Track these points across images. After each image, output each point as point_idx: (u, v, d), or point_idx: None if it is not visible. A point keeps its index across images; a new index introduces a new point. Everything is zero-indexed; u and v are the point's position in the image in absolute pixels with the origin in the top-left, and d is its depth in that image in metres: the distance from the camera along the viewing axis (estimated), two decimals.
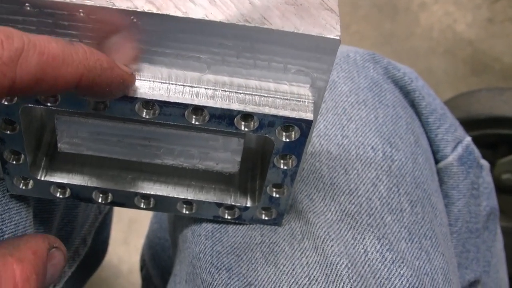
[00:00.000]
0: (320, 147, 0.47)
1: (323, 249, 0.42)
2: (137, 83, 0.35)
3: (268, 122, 0.35)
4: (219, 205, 0.44)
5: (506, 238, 1.18)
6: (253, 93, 0.35)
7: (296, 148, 0.37)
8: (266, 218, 0.44)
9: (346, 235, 0.43)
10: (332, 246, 0.42)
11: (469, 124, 1.09)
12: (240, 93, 0.35)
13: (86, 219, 0.58)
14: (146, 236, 0.67)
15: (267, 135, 0.36)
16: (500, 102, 1.06)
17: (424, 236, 0.45)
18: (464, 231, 0.56)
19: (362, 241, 0.43)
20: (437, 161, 0.54)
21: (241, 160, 0.42)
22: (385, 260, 0.42)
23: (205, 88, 0.35)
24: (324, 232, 0.43)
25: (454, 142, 0.54)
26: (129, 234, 1.24)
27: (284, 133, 0.36)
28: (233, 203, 0.44)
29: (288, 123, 0.36)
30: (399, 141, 0.49)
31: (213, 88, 0.35)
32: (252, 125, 0.36)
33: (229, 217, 0.45)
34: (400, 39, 1.42)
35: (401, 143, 0.48)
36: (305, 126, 0.36)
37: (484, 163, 0.59)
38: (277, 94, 0.35)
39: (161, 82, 0.35)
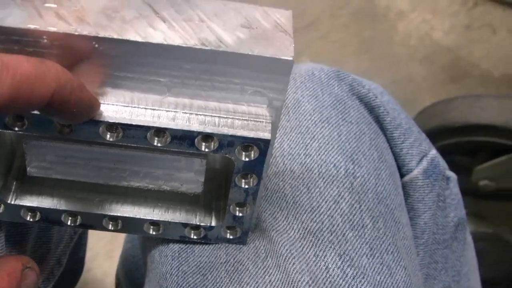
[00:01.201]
0: (283, 166, 0.48)
1: (285, 267, 0.43)
2: (102, 106, 0.35)
3: (228, 142, 0.36)
4: (185, 225, 0.45)
5: (486, 243, 1.19)
6: (213, 115, 0.36)
7: (256, 167, 0.38)
8: (231, 237, 0.45)
9: (308, 253, 0.44)
10: (294, 263, 0.43)
11: (447, 131, 1.10)
12: (200, 114, 0.36)
13: (60, 240, 0.59)
14: (120, 255, 0.68)
15: (227, 155, 0.37)
16: (477, 109, 1.07)
17: (386, 251, 0.46)
18: (432, 243, 0.56)
19: (324, 258, 0.44)
20: (402, 175, 0.55)
21: (206, 180, 0.43)
22: (346, 276, 0.43)
23: (166, 111, 0.36)
24: (287, 250, 0.44)
25: (419, 156, 0.55)
26: (113, 248, 1.25)
27: (243, 153, 0.37)
28: (198, 223, 0.45)
29: (247, 143, 0.37)
30: (362, 157, 0.49)
31: (174, 110, 0.36)
32: (212, 146, 0.37)
33: (195, 237, 0.45)
34: (379, 47, 1.44)
35: (364, 160, 0.49)
36: (263, 146, 0.37)
37: (451, 174, 0.59)
38: (235, 114, 0.37)
39: (124, 106, 0.36)
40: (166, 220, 0.44)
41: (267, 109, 0.37)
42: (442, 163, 0.58)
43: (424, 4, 1.48)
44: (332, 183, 0.47)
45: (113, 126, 0.36)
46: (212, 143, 0.37)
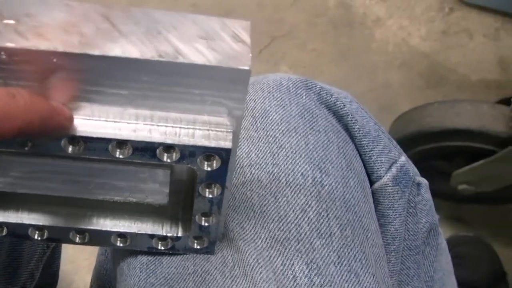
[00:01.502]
0: (251, 176, 0.48)
1: (252, 276, 0.44)
2: None
3: (189, 152, 0.37)
4: (152, 236, 0.45)
5: (467, 247, 1.20)
6: (174, 125, 0.37)
7: (219, 177, 0.39)
8: (199, 247, 0.45)
9: (275, 262, 0.44)
10: (261, 273, 0.44)
11: (424, 137, 1.11)
12: (161, 125, 0.37)
13: (33, 254, 0.59)
14: (94, 267, 0.67)
15: (189, 165, 0.38)
16: (452, 114, 1.08)
17: (354, 258, 0.46)
18: (403, 249, 0.57)
19: (291, 266, 0.44)
20: (372, 183, 0.55)
21: (172, 191, 0.43)
22: (313, 284, 0.44)
23: (127, 123, 0.36)
24: (254, 259, 0.44)
25: (388, 163, 0.56)
26: (93, 262, 1.24)
27: (206, 163, 0.38)
28: (165, 234, 0.45)
29: (208, 153, 0.37)
30: (330, 166, 0.50)
31: (135, 122, 0.36)
32: (174, 156, 0.37)
33: (162, 248, 0.46)
34: (357, 55, 1.44)
35: (331, 168, 0.50)
36: (224, 155, 0.37)
37: (422, 180, 0.60)
38: (196, 125, 0.37)
39: (85, 119, 0.36)
40: (132, 231, 0.45)
41: (228, 118, 0.37)
42: (412, 170, 0.58)
43: (401, 11, 1.49)
44: (300, 192, 0.47)
45: (75, 140, 0.36)
46: (174, 154, 0.37)
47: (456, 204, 1.27)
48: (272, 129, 0.50)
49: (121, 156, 0.37)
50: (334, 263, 0.45)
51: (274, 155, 0.49)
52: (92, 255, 1.24)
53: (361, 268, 0.46)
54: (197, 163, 0.38)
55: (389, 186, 0.55)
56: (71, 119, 0.35)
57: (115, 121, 0.36)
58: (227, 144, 0.37)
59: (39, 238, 0.45)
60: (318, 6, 1.49)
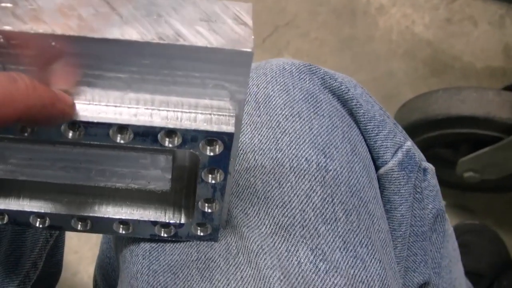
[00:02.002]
0: (254, 162, 0.47)
1: (256, 263, 0.43)
2: None
3: (191, 137, 0.36)
4: (154, 223, 0.44)
5: (472, 235, 1.19)
6: (175, 110, 0.36)
7: (222, 162, 0.38)
8: (202, 234, 0.45)
9: (279, 248, 0.44)
10: (265, 259, 0.43)
11: (429, 124, 1.10)
12: (162, 110, 0.36)
13: (35, 243, 0.58)
14: (97, 256, 0.67)
15: (191, 150, 0.37)
16: (457, 101, 1.07)
17: (360, 244, 0.45)
18: (410, 235, 0.56)
19: (296, 253, 0.43)
20: (377, 168, 0.54)
21: (175, 178, 0.42)
22: (319, 270, 0.43)
23: (128, 107, 0.36)
24: (258, 246, 0.44)
25: (394, 147, 0.55)
26: (97, 252, 1.24)
27: (208, 147, 0.37)
28: (168, 221, 0.44)
29: (210, 137, 0.36)
30: (334, 150, 0.49)
31: (136, 106, 0.36)
32: (176, 141, 0.36)
33: (165, 235, 0.45)
34: (360, 43, 1.43)
35: (336, 153, 0.49)
36: (227, 139, 0.37)
37: (429, 166, 0.59)
38: (198, 109, 0.36)
39: (85, 104, 0.36)
40: (135, 218, 0.44)
41: (230, 102, 0.37)
42: (418, 155, 0.57)
43: None
44: (304, 177, 0.47)
45: (75, 125, 0.36)
46: (176, 139, 0.36)
47: (461, 193, 1.27)
48: (276, 114, 0.50)
49: (122, 142, 0.36)
50: (340, 249, 0.44)
51: (278, 140, 0.48)
52: (96, 246, 1.24)
53: (367, 254, 0.45)
54: (199, 148, 0.37)
55: (395, 171, 0.54)
56: (73, 106, 0.35)
57: (115, 106, 0.36)
58: (229, 128, 0.36)
59: (40, 226, 0.45)
60: None
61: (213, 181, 0.40)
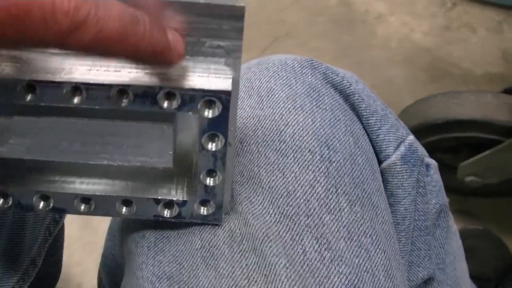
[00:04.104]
0: (258, 153, 0.48)
1: (261, 250, 0.43)
2: (64, 71, 0.36)
3: (190, 97, 0.37)
4: (157, 201, 0.44)
5: (475, 240, 1.19)
6: (174, 72, 0.37)
7: (221, 125, 0.39)
8: (206, 213, 0.44)
9: (284, 236, 0.44)
10: (271, 247, 0.43)
11: (428, 129, 1.11)
12: (161, 72, 0.37)
13: (34, 241, 0.59)
14: (101, 254, 0.67)
15: (190, 112, 0.37)
16: (455, 105, 1.08)
17: (364, 234, 0.45)
18: (413, 229, 0.56)
19: (301, 241, 0.43)
20: (380, 162, 0.55)
21: (178, 159, 0.43)
22: (324, 259, 0.43)
23: (128, 72, 0.37)
24: (263, 233, 0.44)
25: (396, 141, 0.55)
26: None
27: (206, 110, 0.38)
28: (171, 198, 0.44)
29: (209, 97, 0.37)
30: (337, 143, 0.49)
31: (136, 70, 0.37)
32: (175, 103, 0.37)
33: (168, 215, 0.45)
34: (359, 52, 1.44)
35: (339, 145, 0.49)
36: (225, 99, 0.37)
37: (431, 161, 0.59)
38: (195, 69, 0.37)
39: (87, 69, 0.36)
40: (138, 196, 0.44)
41: (226, 64, 0.38)
42: (421, 149, 0.57)
43: (403, 6, 1.49)
44: (308, 168, 0.47)
45: (76, 89, 0.36)
46: (175, 101, 0.37)
47: (463, 198, 1.27)
48: (279, 107, 0.50)
49: (122, 104, 0.37)
50: (344, 238, 0.44)
51: (281, 132, 0.48)
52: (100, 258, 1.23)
53: (371, 244, 0.45)
54: (198, 110, 0.37)
55: (398, 165, 0.54)
56: (182, 56, 0.35)
57: (116, 71, 0.37)
58: (226, 86, 0.37)
59: (44, 208, 0.44)
60: (319, 5, 1.49)
61: (214, 149, 0.40)
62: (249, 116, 0.50)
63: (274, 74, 0.52)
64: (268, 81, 0.52)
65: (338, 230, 0.45)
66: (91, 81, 0.36)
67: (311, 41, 1.45)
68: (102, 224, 1.28)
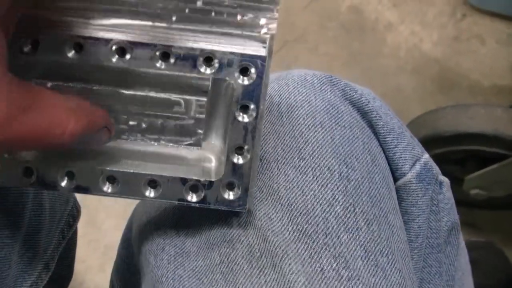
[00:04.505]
0: (277, 170, 0.48)
1: (281, 267, 0.43)
2: (111, 34, 0.40)
3: (227, 61, 0.40)
4: (184, 181, 0.44)
5: (479, 252, 1.20)
6: (214, 38, 0.41)
7: (255, 94, 0.41)
8: (231, 198, 0.44)
9: (303, 254, 0.44)
10: (290, 264, 0.43)
11: (436, 141, 1.11)
12: (201, 37, 0.41)
13: (48, 244, 0.59)
14: (114, 262, 0.68)
15: (227, 78, 0.41)
16: (465, 118, 1.08)
17: (381, 253, 0.46)
18: (425, 247, 0.57)
19: (319, 259, 0.44)
20: (396, 179, 0.55)
21: (208, 137, 0.45)
22: (341, 278, 0.43)
23: (172, 35, 0.41)
24: (282, 250, 0.44)
25: (412, 160, 0.56)
26: (105, 261, 1.24)
27: (241, 77, 0.41)
28: (197, 178, 0.44)
29: (245, 62, 0.40)
30: (355, 161, 0.50)
31: (179, 34, 0.41)
32: (213, 67, 0.40)
33: (194, 199, 0.44)
34: (369, 59, 1.44)
35: (357, 163, 0.50)
36: (260, 64, 0.40)
37: (444, 179, 0.60)
38: (233, 40, 0.41)
39: (133, 34, 0.40)
40: (164, 175, 0.44)
41: (261, 35, 0.42)
42: (435, 168, 0.58)
43: (413, 16, 1.50)
44: (326, 186, 0.47)
45: (122, 50, 0.40)
46: (213, 65, 0.40)
47: (467, 210, 1.27)
48: (298, 124, 0.50)
49: (163, 67, 0.40)
50: (361, 258, 0.45)
51: (301, 149, 0.49)
52: (104, 255, 1.24)
53: (388, 263, 0.46)
54: (234, 76, 0.40)
55: (413, 183, 0.55)
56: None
57: (159, 34, 0.41)
58: (262, 51, 0.40)
59: (67, 186, 0.44)
60: (330, 10, 1.50)
61: (246, 120, 0.42)
62: (269, 132, 0.50)
63: (294, 90, 0.53)
64: (288, 97, 0.52)
65: (355, 249, 0.45)
66: (136, 40, 0.40)
67: (322, 46, 1.46)
68: (105, 221, 1.29)
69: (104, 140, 0.42)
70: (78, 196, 0.67)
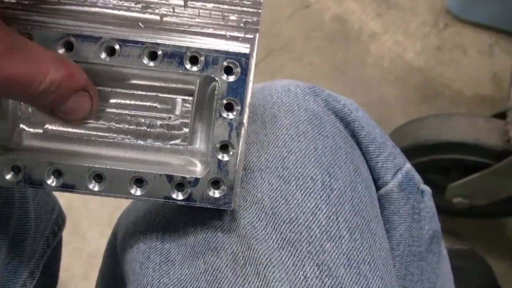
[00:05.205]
0: (261, 179, 0.49)
1: (265, 275, 0.44)
2: (101, 30, 0.42)
3: (213, 59, 0.42)
4: (170, 179, 0.44)
5: (461, 260, 1.21)
6: (200, 38, 0.43)
7: (239, 91, 0.43)
8: (217, 195, 0.44)
9: (287, 262, 0.45)
10: (274, 272, 0.44)
11: (419, 150, 1.12)
12: (188, 37, 0.43)
13: (33, 253, 0.59)
14: (99, 269, 0.68)
15: (212, 75, 0.42)
16: (448, 127, 1.09)
17: (363, 261, 0.47)
18: (407, 255, 0.57)
19: (302, 267, 0.45)
20: (378, 188, 0.56)
21: (193, 135, 0.46)
22: (324, 285, 0.44)
23: (159, 35, 0.43)
24: (266, 258, 0.45)
25: (394, 169, 0.56)
26: (89, 269, 1.24)
27: (226, 75, 0.43)
28: (183, 175, 0.44)
29: (229, 60, 0.42)
30: (338, 170, 0.50)
31: (166, 34, 0.43)
32: (199, 64, 0.42)
33: (179, 197, 0.44)
34: (353, 69, 1.46)
35: (340, 173, 0.50)
36: (244, 62, 0.42)
37: (426, 188, 0.61)
38: (217, 39, 0.43)
39: (123, 32, 0.42)
40: (151, 172, 0.44)
41: (245, 38, 0.43)
42: (417, 177, 0.59)
43: (396, 26, 1.51)
44: (310, 195, 0.48)
45: (111, 47, 0.42)
46: (199, 63, 0.42)
47: (450, 218, 1.28)
48: (282, 134, 0.51)
49: (151, 64, 0.42)
50: (344, 266, 0.46)
51: (284, 159, 0.50)
52: (87, 263, 1.24)
53: (370, 271, 0.47)
54: (219, 73, 0.42)
55: (395, 192, 0.56)
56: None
57: (148, 34, 0.42)
58: (246, 50, 0.42)
59: (54, 185, 0.44)
60: (315, 21, 1.51)
61: (230, 117, 0.43)
62: (253, 142, 0.51)
63: (277, 101, 0.53)
64: (271, 107, 0.53)
65: (338, 257, 0.46)
66: (125, 37, 0.41)
67: (306, 56, 1.46)
68: (89, 230, 1.29)
69: (84, 110, 0.42)
70: (62, 205, 0.67)
